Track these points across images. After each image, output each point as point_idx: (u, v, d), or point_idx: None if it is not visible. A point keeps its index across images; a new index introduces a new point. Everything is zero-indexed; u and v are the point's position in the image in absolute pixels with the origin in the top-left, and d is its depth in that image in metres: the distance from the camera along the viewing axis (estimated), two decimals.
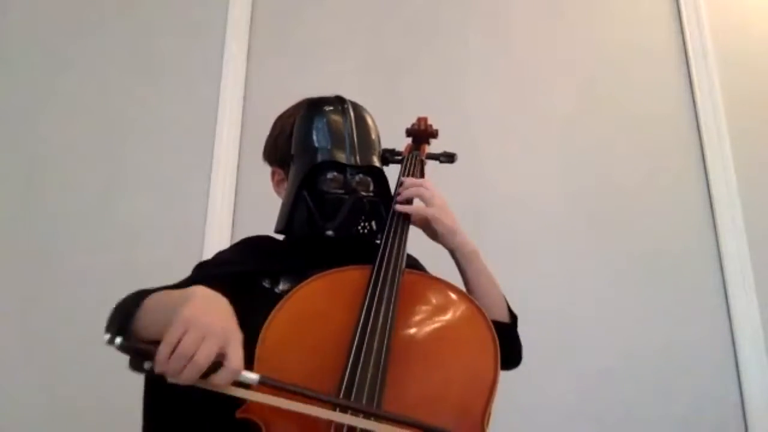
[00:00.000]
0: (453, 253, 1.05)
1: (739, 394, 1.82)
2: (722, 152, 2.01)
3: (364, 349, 0.79)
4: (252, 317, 0.84)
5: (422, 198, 1.03)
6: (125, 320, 0.78)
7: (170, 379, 0.65)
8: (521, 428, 1.75)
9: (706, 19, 2.14)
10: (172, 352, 0.64)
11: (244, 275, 0.98)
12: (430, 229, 1.04)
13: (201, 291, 0.73)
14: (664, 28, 2.18)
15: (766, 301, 1.87)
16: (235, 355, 0.65)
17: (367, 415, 0.72)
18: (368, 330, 0.82)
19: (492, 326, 0.88)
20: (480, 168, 1.98)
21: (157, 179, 1.93)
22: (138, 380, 0.85)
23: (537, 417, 1.77)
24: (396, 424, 0.69)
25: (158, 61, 2.05)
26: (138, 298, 0.81)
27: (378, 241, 0.99)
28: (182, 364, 0.64)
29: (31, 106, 1.98)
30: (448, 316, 0.91)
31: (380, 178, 1.06)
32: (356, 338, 0.81)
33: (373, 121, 1.10)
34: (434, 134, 1.23)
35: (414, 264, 1.13)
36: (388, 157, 1.16)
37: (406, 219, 1.02)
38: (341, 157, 1.01)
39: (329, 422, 0.72)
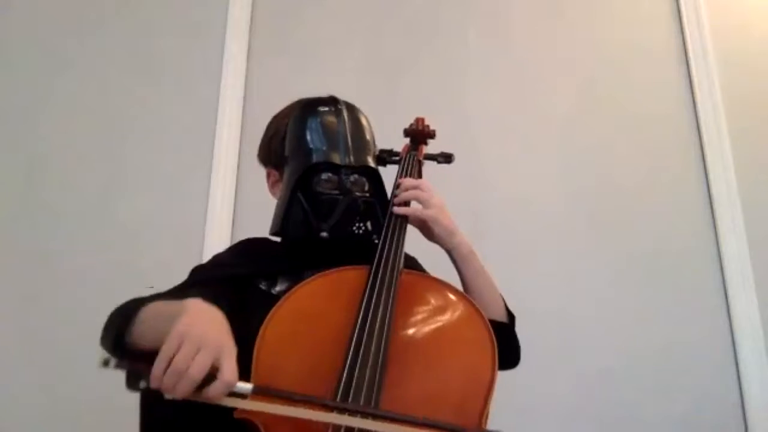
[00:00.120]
0: (450, 254, 1.05)
1: (739, 394, 1.82)
2: (722, 152, 2.01)
3: (361, 350, 0.79)
4: (249, 319, 0.84)
5: (420, 200, 1.03)
6: (121, 331, 0.78)
7: (167, 395, 0.65)
8: (521, 428, 1.75)
9: (706, 19, 2.14)
10: (167, 367, 0.64)
11: (241, 278, 0.98)
12: (427, 229, 1.04)
13: (195, 304, 0.73)
14: (664, 28, 2.18)
15: (766, 301, 1.87)
16: (229, 367, 0.66)
17: (365, 415, 0.72)
18: (366, 330, 0.82)
19: (490, 326, 0.88)
20: (480, 168, 1.98)
21: (157, 179, 1.93)
22: None
23: (537, 417, 1.77)
24: (393, 422, 0.69)
25: (158, 61, 2.05)
26: (133, 307, 0.81)
27: (375, 241, 0.99)
28: (176, 379, 0.64)
29: (31, 106, 1.98)
30: (446, 316, 0.91)
31: (375, 178, 1.06)
32: (354, 338, 0.81)
33: (368, 122, 1.09)
34: (432, 135, 1.23)
35: (412, 263, 1.13)
36: (386, 157, 1.16)
37: (404, 219, 1.02)
38: (336, 158, 1.01)
39: (327, 424, 0.72)
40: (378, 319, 0.83)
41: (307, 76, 2.02)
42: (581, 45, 2.15)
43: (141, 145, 1.96)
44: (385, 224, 1.00)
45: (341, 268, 0.94)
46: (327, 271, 0.93)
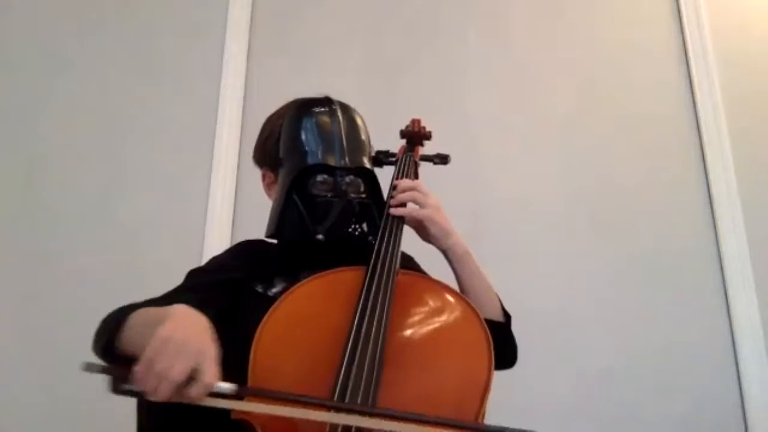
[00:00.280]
0: (446, 254, 1.05)
1: (739, 394, 1.82)
2: (722, 152, 2.01)
3: (358, 351, 0.79)
4: (246, 321, 0.84)
5: (416, 201, 1.03)
6: (111, 337, 0.79)
7: (148, 397, 0.66)
8: (521, 428, 1.75)
9: (706, 19, 2.14)
10: (149, 370, 0.65)
11: (237, 281, 0.98)
12: (423, 230, 1.04)
13: (180, 310, 0.74)
14: (664, 28, 2.18)
15: (766, 301, 1.87)
16: (208, 370, 0.66)
17: (361, 414, 0.72)
18: (363, 331, 0.82)
19: (486, 326, 0.88)
20: (480, 168, 1.98)
21: (157, 179, 1.93)
22: None
23: (537, 417, 1.77)
24: (391, 419, 0.69)
25: (158, 61, 2.05)
26: (123, 314, 0.81)
27: (372, 242, 0.99)
28: (157, 382, 0.65)
29: (31, 106, 1.98)
30: (442, 316, 0.91)
31: (371, 179, 1.05)
32: (350, 339, 0.81)
33: (363, 121, 1.09)
34: (428, 136, 1.23)
35: (409, 263, 1.13)
36: (382, 158, 1.16)
37: (401, 219, 1.02)
38: (331, 159, 1.00)
39: (323, 424, 0.73)
40: (375, 320, 0.83)
41: (307, 76, 2.02)
42: (581, 45, 2.15)
43: (141, 145, 1.96)
44: (382, 225, 1.00)
45: (338, 269, 0.94)
46: (323, 273, 0.93)
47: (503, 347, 1.00)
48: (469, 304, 0.92)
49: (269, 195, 1.11)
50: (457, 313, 0.91)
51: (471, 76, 2.09)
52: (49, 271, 1.82)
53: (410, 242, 1.05)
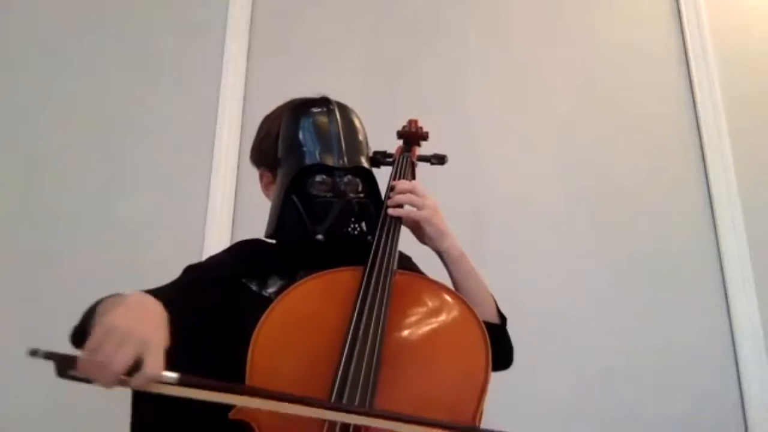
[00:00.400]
0: (441, 256, 1.05)
1: (739, 394, 1.82)
2: (722, 152, 2.01)
3: (356, 351, 0.79)
4: (241, 320, 0.84)
5: (413, 204, 1.03)
6: (83, 326, 0.80)
7: (94, 383, 0.66)
8: (521, 428, 1.75)
9: (706, 19, 2.14)
10: (93, 357, 0.65)
11: (233, 279, 0.99)
12: (419, 230, 1.04)
13: (133, 297, 0.74)
14: (664, 28, 2.18)
15: (766, 301, 1.87)
16: (152, 361, 0.65)
17: (359, 413, 0.72)
18: (360, 331, 0.82)
19: (483, 326, 0.89)
20: (480, 168, 1.98)
21: (157, 179, 1.93)
22: None
23: (537, 417, 1.77)
24: (386, 419, 0.69)
25: (158, 61, 2.05)
26: (94, 306, 0.81)
27: (370, 241, 0.99)
28: (99, 371, 0.65)
29: (31, 106, 1.98)
30: (440, 316, 0.91)
31: (369, 179, 1.05)
32: (348, 340, 0.81)
33: (360, 122, 1.09)
34: (425, 136, 1.23)
35: (407, 263, 1.13)
36: (380, 159, 1.17)
37: (398, 220, 1.02)
38: (329, 159, 1.01)
39: (321, 423, 0.73)
40: (372, 320, 0.84)
41: (307, 76, 2.02)
42: (581, 45, 2.15)
43: (141, 145, 1.96)
44: (379, 225, 1.00)
45: (335, 269, 0.94)
46: (321, 273, 0.93)
47: (499, 348, 1.00)
48: (466, 304, 0.92)
49: (267, 195, 1.11)
50: (454, 313, 0.91)
51: (471, 76, 2.09)
52: (49, 271, 1.82)
53: (407, 243, 1.05)
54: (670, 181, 2.02)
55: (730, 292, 1.89)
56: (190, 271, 1.02)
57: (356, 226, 1.01)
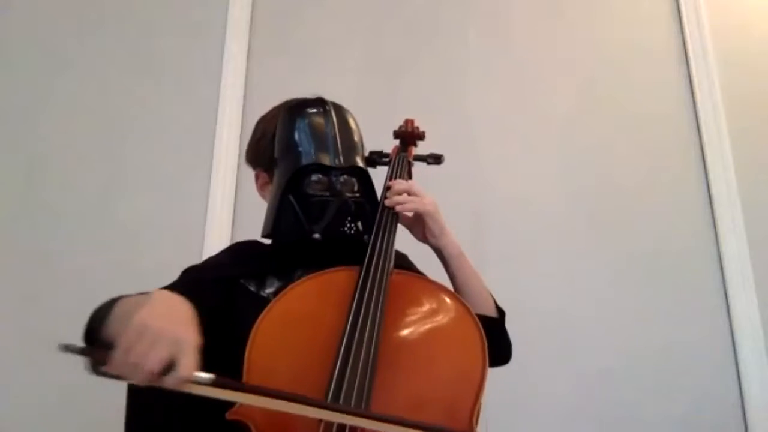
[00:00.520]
0: (440, 253, 1.05)
1: (739, 394, 1.82)
2: (722, 152, 2.01)
3: (352, 351, 0.79)
4: (239, 321, 0.84)
5: (412, 201, 1.03)
6: (97, 325, 0.79)
7: (127, 381, 0.67)
8: (521, 428, 1.75)
9: (706, 19, 2.14)
10: (126, 357, 0.65)
11: (230, 279, 0.99)
12: (420, 226, 1.05)
13: (161, 295, 0.73)
14: (664, 28, 2.18)
15: (766, 301, 1.87)
16: (186, 360, 0.65)
17: (355, 414, 0.72)
18: (357, 332, 0.82)
19: (480, 325, 0.89)
20: (480, 168, 1.98)
21: (157, 179, 1.93)
22: None
23: (537, 417, 1.77)
24: (384, 422, 0.69)
25: (158, 61, 2.05)
26: (111, 303, 0.81)
27: (367, 240, 0.99)
28: (133, 370, 0.65)
29: (31, 106, 1.98)
30: (436, 315, 0.91)
31: (364, 178, 1.06)
32: (344, 340, 0.81)
33: (356, 122, 1.10)
34: (421, 136, 1.23)
35: (403, 261, 1.13)
36: (376, 159, 1.17)
37: (395, 219, 1.03)
38: (325, 159, 1.01)
39: (317, 424, 0.73)
40: (369, 321, 0.84)
41: (307, 76, 2.02)
42: (581, 45, 2.15)
43: (141, 145, 1.96)
44: (375, 225, 1.00)
45: (332, 269, 0.94)
46: (317, 273, 0.93)
47: (497, 344, 1.01)
48: (463, 304, 0.92)
49: (262, 195, 1.12)
50: (451, 313, 0.91)
51: (471, 76, 2.09)
52: (49, 271, 1.82)
53: (403, 242, 1.06)
54: (670, 181, 2.02)
55: (730, 292, 1.89)
56: (189, 272, 1.02)
57: (353, 225, 1.01)
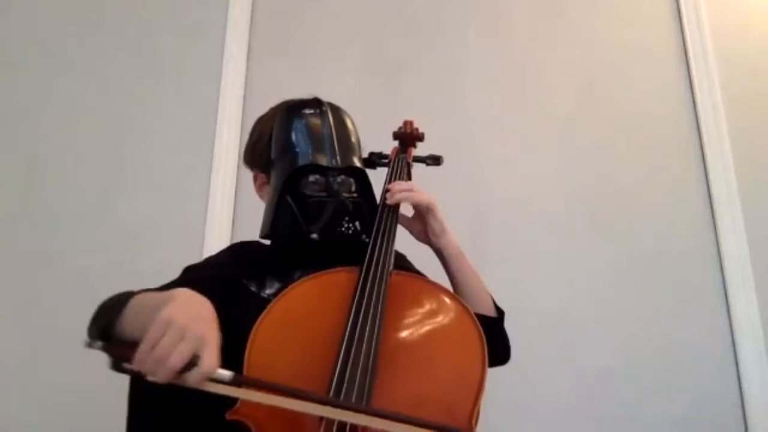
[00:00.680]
0: (440, 252, 1.06)
1: (739, 394, 1.82)
2: (722, 152, 2.01)
3: (352, 352, 0.79)
4: (239, 321, 0.84)
5: (412, 200, 1.04)
6: (110, 319, 0.79)
7: (149, 377, 0.66)
8: (521, 428, 1.75)
9: (706, 19, 2.14)
10: (150, 352, 0.66)
11: (230, 279, 0.99)
12: (420, 226, 1.05)
13: (184, 293, 0.74)
14: (664, 28, 2.18)
15: (766, 301, 1.87)
16: (209, 357, 0.66)
17: (356, 411, 0.72)
18: (357, 332, 0.82)
19: (479, 325, 0.89)
20: (480, 168, 1.98)
21: (157, 179, 1.93)
22: None
23: (537, 417, 1.77)
24: (386, 419, 0.69)
25: (158, 61, 2.05)
26: (124, 298, 0.81)
27: (365, 240, 0.99)
28: (157, 365, 0.65)
29: (31, 106, 1.98)
30: (436, 316, 0.91)
31: (362, 179, 1.06)
32: (344, 341, 0.81)
33: (353, 122, 1.10)
34: (420, 137, 1.23)
35: (402, 261, 1.13)
36: (375, 160, 1.17)
37: (394, 220, 1.03)
38: (322, 159, 1.01)
39: (318, 423, 0.73)
40: (368, 321, 0.84)
41: (307, 76, 2.02)
42: (581, 45, 2.15)
43: (141, 145, 1.96)
44: (375, 226, 1.00)
45: (331, 270, 0.95)
46: (318, 273, 0.93)
47: (496, 343, 1.01)
48: (462, 304, 0.92)
49: (260, 196, 1.12)
50: (450, 313, 0.91)
51: (471, 76, 2.09)
52: (49, 271, 1.82)
53: (404, 243, 1.06)
54: (670, 181, 2.02)
55: (730, 292, 1.89)
56: (190, 271, 1.03)
57: (350, 225, 1.01)
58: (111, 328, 0.78)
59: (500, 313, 1.08)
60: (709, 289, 1.91)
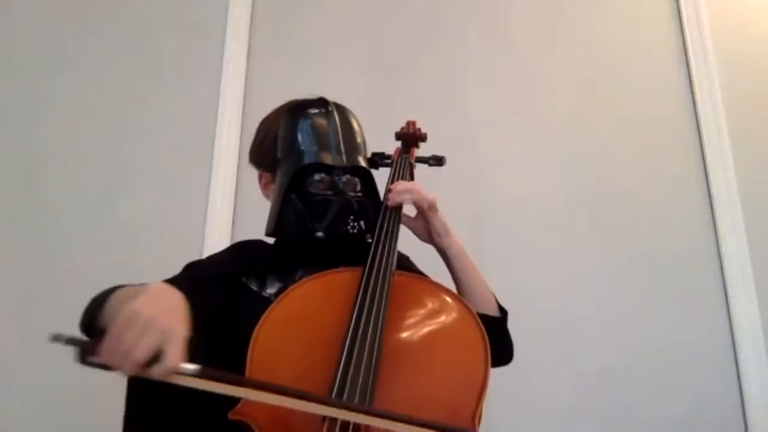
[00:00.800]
0: (444, 252, 1.06)
1: (739, 394, 1.82)
2: (722, 152, 2.01)
3: (355, 352, 0.79)
4: (241, 320, 0.84)
5: (414, 201, 1.04)
6: (94, 313, 0.79)
7: (115, 370, 0.66)
8: (521, 428, 1.75)
9: (706, 19, 2.14)
10: (116, 344, 0.65)
11: (230, 277, 0.99)
12: (423, 227, 1.05)
13: (156, 286, 0.74)
14: (664, 28, 2.18)
15: (766, 301, 1.87)
16: (172, 352, 0.65)
17: (359, 411, 0.72)
18: (359, 333, 0.82)
19: (482, 326, 0.89)
20: (480, 168, 1.98)
21: (157, 179, 1.93)
22: None
23: (537, 417, 1.77)
24: (389, 420, 0.69)
25: (158, 61, 2.05)
26: (109, 292, 0.81)
27: (369, 240, 0.99)
28: (121, 359, 0.65)
29: (31, 106, 1.98)
30: (438, 316, 0.91)
31: (367, 178, 1.06)
32: (347, 341, 0.81)
33: (358, 122, 1.10)
34: (423, 138, 1.23)
35: (404, 262, 1.13)
36: (378, 160, 1.17)
37: (397, 220, 1.03)
38: (327, 158, 1.01)
39: (321, 424, 0.73)
40: (371, 322, 0.84)
41: (307, 76, 2.02)
42: (581, 45, 2.15)
43: (141, 145, 1.96)
44: (378, 226, 1.00)
45: (334, 270, 0.95)
46: (320, 273, 0.93)
47: (499, 343, 1.01)
48: (465, 305, 0.92)
49: (265, 195, 1.12)
50: (453, 314, 0.91)
51: (471, 76, 2.09)
52: (49, 271, 1.82)
53: (406, 244, 1.06)
54: (670, 181, 2.02)
55: (730, 292, 1.89)
56: (191, 268, 1.03)
57: (355, 224, 1.01)
58: (95, 322, 0.78)
59: (503, 313, 1.08)
60: (709, 289, 1.91)
